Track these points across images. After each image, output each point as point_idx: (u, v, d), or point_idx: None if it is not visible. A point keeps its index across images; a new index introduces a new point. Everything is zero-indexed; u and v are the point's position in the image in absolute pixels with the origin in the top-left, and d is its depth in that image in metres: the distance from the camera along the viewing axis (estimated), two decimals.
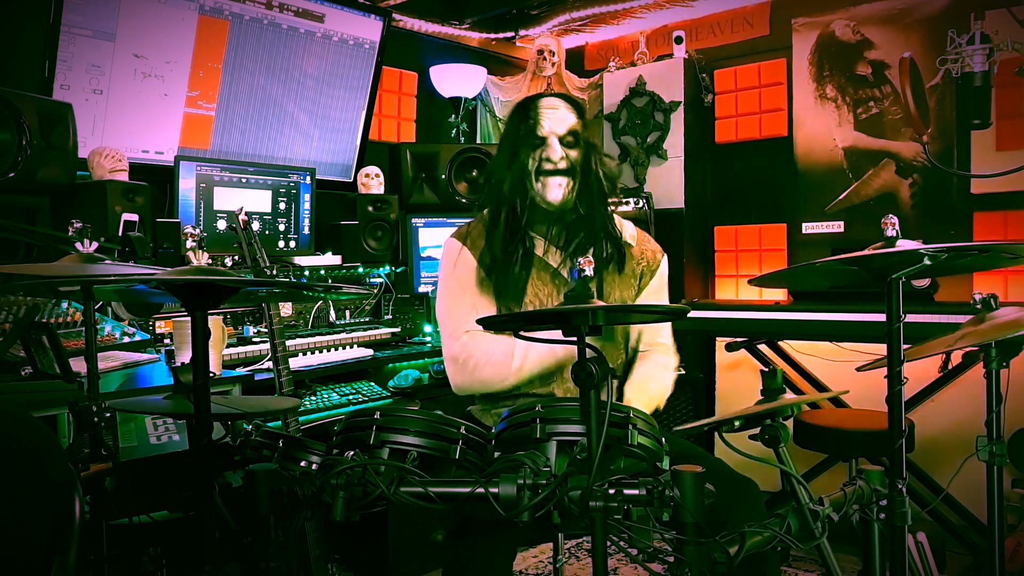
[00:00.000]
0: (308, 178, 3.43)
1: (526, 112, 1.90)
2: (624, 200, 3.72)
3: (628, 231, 2.01)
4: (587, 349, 1.22)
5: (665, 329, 2.04)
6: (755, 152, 4.03)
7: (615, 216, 1.98)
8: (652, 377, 1.94)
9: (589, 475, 1.19)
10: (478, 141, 4.47)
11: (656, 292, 2.02)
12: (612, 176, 1.96)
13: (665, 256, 2.04)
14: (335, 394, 2.86)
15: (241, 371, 2.56)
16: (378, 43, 3.74)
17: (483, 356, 1.83)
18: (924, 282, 3.02)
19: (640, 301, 1.98)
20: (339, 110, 3.73)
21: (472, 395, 1.94)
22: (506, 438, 1.34)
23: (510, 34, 4.47)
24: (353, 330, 3.27)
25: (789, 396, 1.48)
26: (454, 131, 4.20)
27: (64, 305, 2.31)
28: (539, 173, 1.86)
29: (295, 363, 2.79)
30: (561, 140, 1.87)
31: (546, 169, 1.86)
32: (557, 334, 1.31)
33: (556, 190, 1.86)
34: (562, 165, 1.86)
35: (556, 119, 1.88)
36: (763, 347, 3.46)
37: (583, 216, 1.88)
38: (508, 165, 1.89)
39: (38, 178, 2.40)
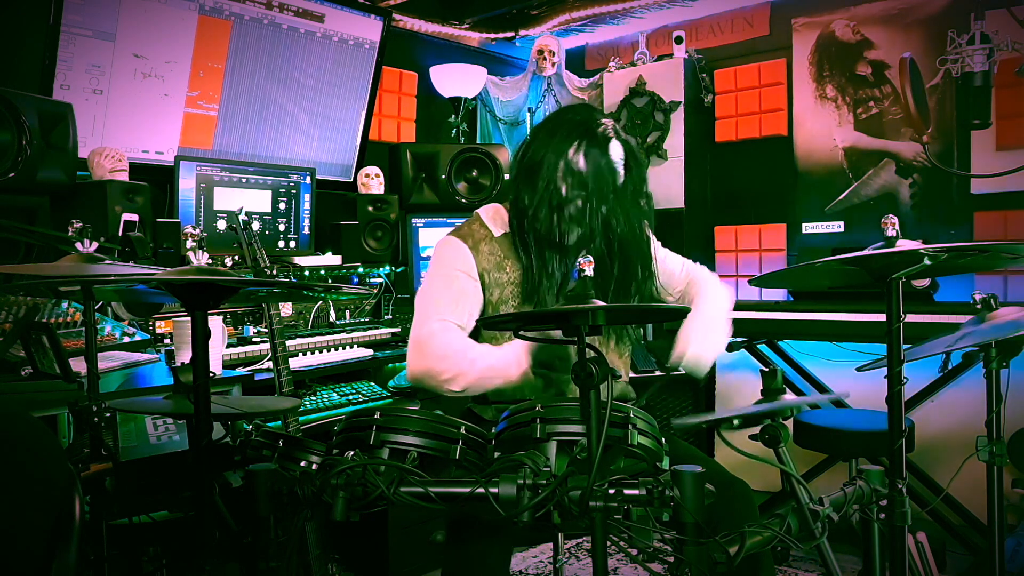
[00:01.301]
0: (308, 178, 3.43)
1: (598, 151, 1.81)
2: None
3: None
4: (587, 349, 1.22)
5: (686, 263, 2.05)
6: (755, 152, 4.03)
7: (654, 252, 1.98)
8: (707, 309, 1.91)
9: (589, 475, 1.19)
10: (478, 141, 4.47)
11: (662, 260, 2.02)
12: (640, 219, 1.90)
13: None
14: (335, 394, 2.86)
15: (241, 371, 2.56)
16: (378, 43, 3.74)
17: (440, 347, 1.79)
18: (924, 282, 3.02)
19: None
20: (339, 110, 3.73)
21: (422, 388, 1.90)
22: (506, 438, 1.34)
23: (510, 34, 4.47)
24: (353, 330, 3.27)
25: (789, 397, 1.48)
26: (454, 131, 4.20)
27: (64, 305, 2.31)
28: (561, 211, 1.82)
29: (295, 363, 2.79)
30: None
31: (571, 216, 1.82)
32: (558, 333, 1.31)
33: (569, 235, 1.84)
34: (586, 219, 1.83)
35: (613, 148, 1.83)
36: (763, 347, 3.46)
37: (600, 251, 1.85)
38: (556, 190, 1.82)
39: (38, 178, 2.40)
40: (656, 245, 2.03)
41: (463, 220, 2.01)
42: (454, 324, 1.83)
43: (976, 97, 3.37)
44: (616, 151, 1.83)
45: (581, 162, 1.80)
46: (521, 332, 1.41)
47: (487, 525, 1.57)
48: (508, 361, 1.72)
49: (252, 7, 3.29)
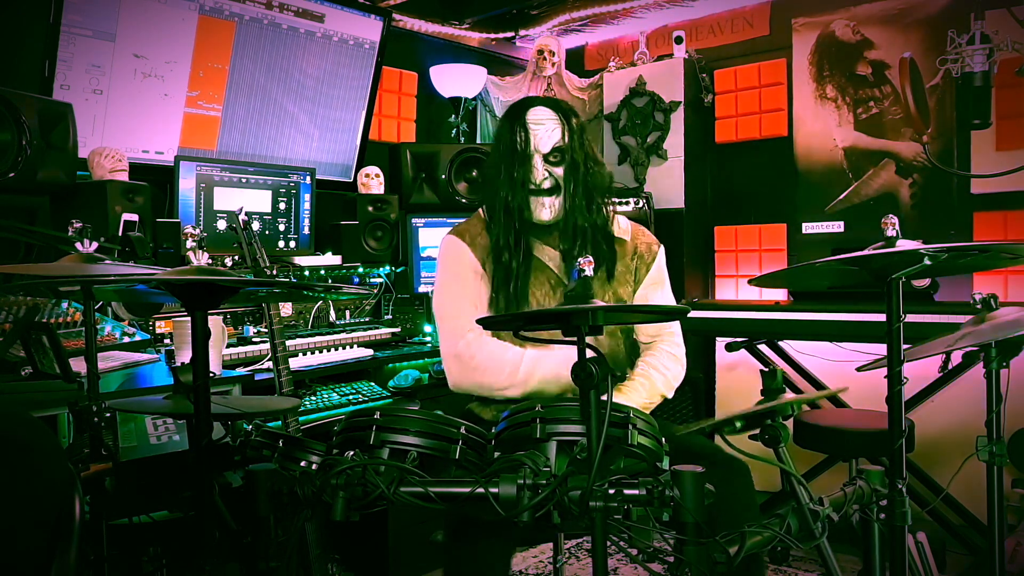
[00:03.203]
0: (308, 178, 3.43)
1: (514, 122, 1.88)
2: (624, 200, 3.72)
3: (620, 225, 1.99)
4: (588, 349, 1.22)
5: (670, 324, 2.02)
6: (755, 152, 4.03)
7: (612, 214, 1.97)
8: (657, 367, 1.94)
9: (589, 475, 1.19)
10: (478, 141, 4.47)
11: (655, 284, 2.01)
12: (602, 184, 1.92)
13: (661, 247, 2.03)
14: (335, 394, 2.86)
15: (241, 371, 2.56)
16: (378, 43, 3.74)
17: (487, 359, 1.83)
18: (924, 282, 3.02)
19: (639, 294, 1.98)
20: (339, 110, 3.73)
21: (469, 394, 1.94)
22: (506, 438, 1.34)
23: (510, 34, 4.47)
24: (353, 330, 3.27)
25: (789, 396, 1.48)
26: (454, 131, 4.20)
27: (64, 305, 2.31)
28: (524, 191, 1.85)
29: (295, 363, 2.79)
30: (545, 158, 1.85)
31: (530, 189, 1.85)
32: (556, 332, 1.31)
33: (541, 209, 1.86)
34: (545, 185, 1.85)
35: (541, 135, 1.85)
36: (763, 347, 3.46)
37: (575, 225, 1.87)
38: (498, 174, 1.89)
39: (38, 178, 2.40)
40: (661, 271, 2.02)
41: (462, 220, 2.04)
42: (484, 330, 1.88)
43: (976, 97, 3.36)
44: (537, 114, 1.86)
45: (509, 139, 1.87)
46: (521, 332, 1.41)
47: (488, 525, 1.57)
48: (559, 363, 1.77)
49: (252, 7, 3.29)
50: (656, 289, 2.01)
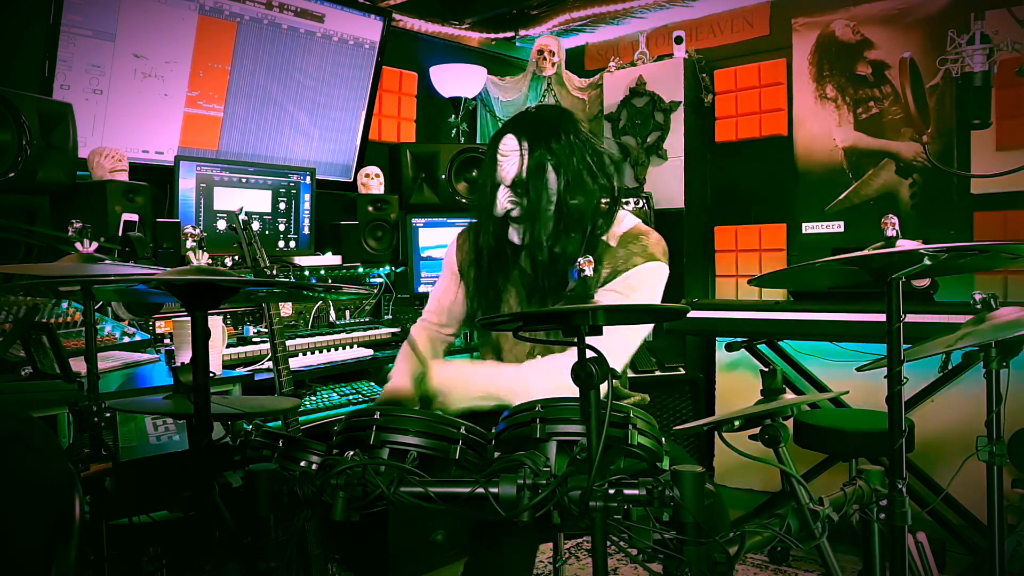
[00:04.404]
0: (308, 178, 3.43)
1: (490, 151, 1.87)
2: (624, 200, 3.72)
3: (616, 230, 1.85)
4: (587, 349, 1.22)
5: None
6: (755, 152, 4.03)
7: (614, 218, 1.87)
8: (532, 371, 1.72)
9: (589, 475, 1.19)
10: (478, 141, 4.47)
11: (614, 293, 1.78)
12: (582, 211, 1.79)
13: (649, 264, 1.79)
14: (335, 394, 2.86)
15: (241, 371, 2.56)
16: (378, 43, 3.74)
17: (402, 348, 2.02)
18: (924, 282, 3.02)
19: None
20: (339, 110, 3.73)
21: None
22: (506, 438, 1.34)
23: (510, 34, 4.47)
24: (353, 330, 3.27)
25: (789, 396, 1.48)
26: (454, 131, 4.20)
27: (64, 305, 2.31)
28: (491, 217, 1.86)
29: (295, 363, 2.79)
30: (511, 189, 1.81)
31: (498, 215, 1.85)
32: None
33: (513, 234, 1.85)
34: (515, 214, 1.82)
35: (505, 167, 1.81)
36: (763, 347, 3.46)
37: (542, 251, 1.80)
38: (480, 198, 1.92)
39: (38, 178, 2.40)
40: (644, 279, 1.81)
41: (463, 221, 2.07)
42: (434, 324, 2.04)
43: (976, 97, 3.37)
44: (504, 144, 1.82)
45: (485, 167, 1.88)
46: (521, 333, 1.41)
47: (512, 523, 1.55)
48: (397, 388, 1.91)
49: (252, 7, 3.29)
50: (614, 298, 1.77)
